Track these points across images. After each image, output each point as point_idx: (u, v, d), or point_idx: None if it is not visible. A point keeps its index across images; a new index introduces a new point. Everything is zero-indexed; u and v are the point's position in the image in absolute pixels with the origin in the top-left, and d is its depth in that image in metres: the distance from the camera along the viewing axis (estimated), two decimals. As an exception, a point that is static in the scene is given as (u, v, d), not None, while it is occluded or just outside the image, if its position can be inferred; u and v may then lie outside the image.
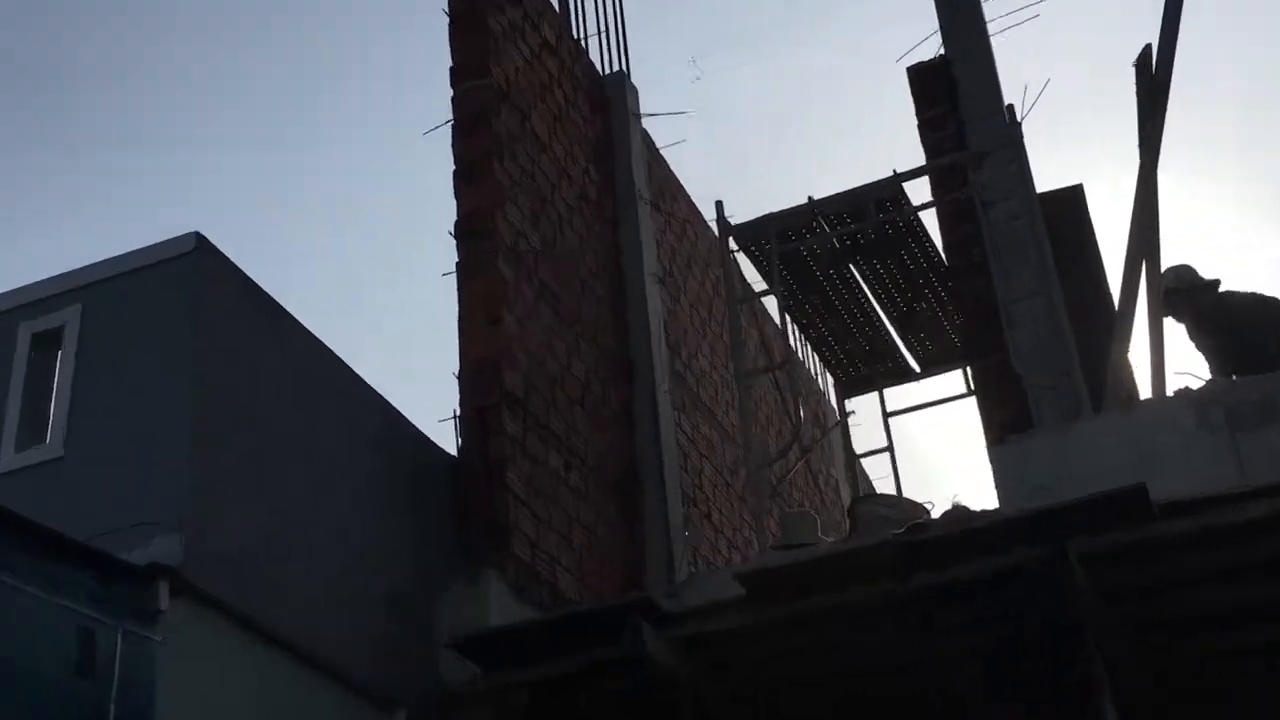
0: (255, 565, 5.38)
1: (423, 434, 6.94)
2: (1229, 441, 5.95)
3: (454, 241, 7.53)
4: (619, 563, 8.06)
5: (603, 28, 10.14)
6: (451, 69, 8.06)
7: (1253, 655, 5.87)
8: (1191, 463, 5.94)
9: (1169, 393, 6.88)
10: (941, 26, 8.87)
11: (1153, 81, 7.23)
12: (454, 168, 7.76)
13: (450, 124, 7.88)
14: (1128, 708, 5.28)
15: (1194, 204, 20.70)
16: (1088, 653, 5.31)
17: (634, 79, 10.10)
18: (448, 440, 7.08)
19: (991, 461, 6.50)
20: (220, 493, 5.33)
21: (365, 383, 6.56)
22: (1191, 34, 7.68)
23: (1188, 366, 7.55)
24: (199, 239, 5.67)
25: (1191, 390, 6.58)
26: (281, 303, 6.08)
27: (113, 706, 4.54)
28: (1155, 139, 7.16)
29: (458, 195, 7.69)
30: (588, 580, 7.46)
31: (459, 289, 7.41)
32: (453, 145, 7.84)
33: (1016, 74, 8.86)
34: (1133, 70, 7.36)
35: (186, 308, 5.57)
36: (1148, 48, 7.29)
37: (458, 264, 7.45)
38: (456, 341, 7.29)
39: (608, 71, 10.00)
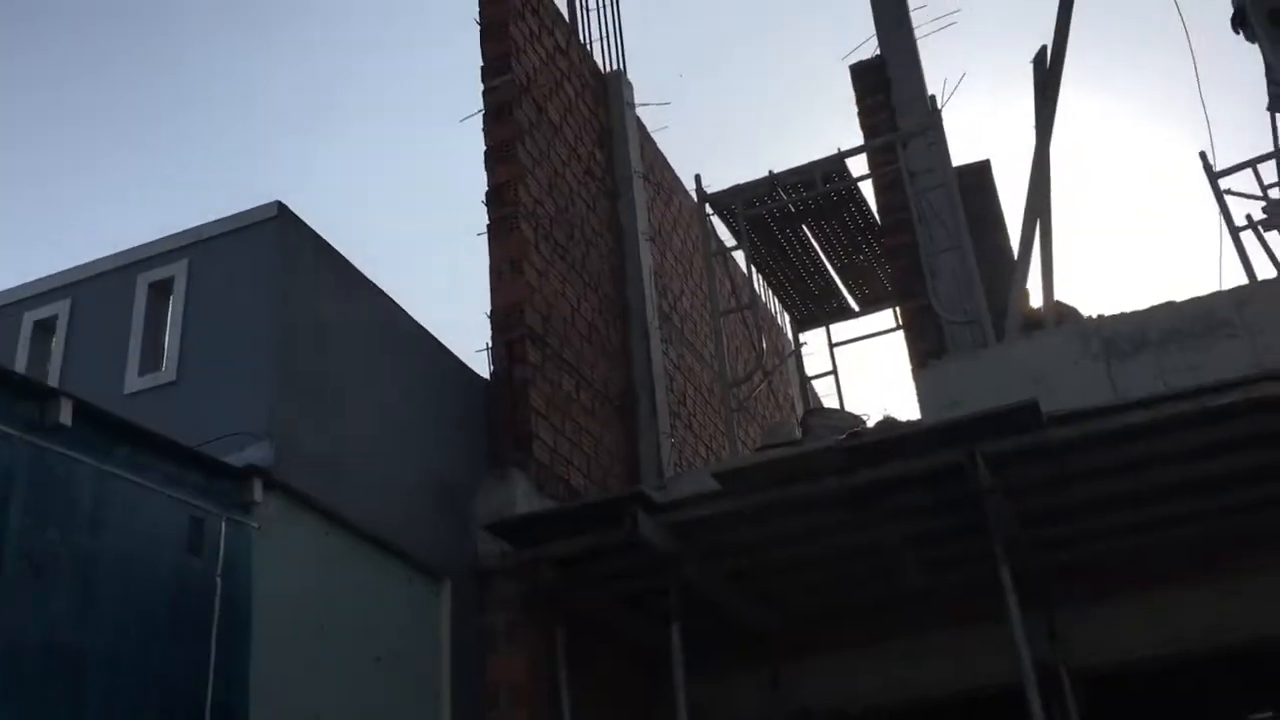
0: (331, 466, 5.41)
1: (462, 362, 6.95)
2: (1105, 366, 5.95)
3: (484, 209, 7.50)
4: (620, 465, 8.09)
5: (604, 33, 10.06)
6: (482, 68, 7.97)
7: (1122, 532, 5.93)
8: (1074, 383, 5.95)
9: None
10: (878, 32, 8.80)
11: (1046, 76, 7.16)
12: (484, 148, 7.70)
13: (481, 113, 7.81)
14: (1020, 575, 5.32)
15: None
16: (991, 536, 5.34)
17: (630, 75, 10.02)
18: (482, 367, 7.10)
19: (915, 383, 6.52)
20: (302, 409, 5.35)
21: (416, 322, 6.56)
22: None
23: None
24: (280, 206, 5.65)
25: (1077, 323, 6.59)
26: (349, 258, 6.08)
27: (219, 580, 4.59)
28: (1047, 123, 7.10)
29: (489, 170, 7.63)
30: (594, 478, 7.50)
31: (490, 246, 7.37)
32: (484, 130, 7.78)
33: (942, 68, 8.81)
34: (1030, 66, 7.30)
35: (272, 260, 5.56)
36: (1044, 48, 7.22)
37: (488, 226, 7.40)
38: (488, 289, 7.28)
39: (608, 69, 9.91)
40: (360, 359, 5.94)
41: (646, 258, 9.30)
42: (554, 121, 8.44)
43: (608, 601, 6.47)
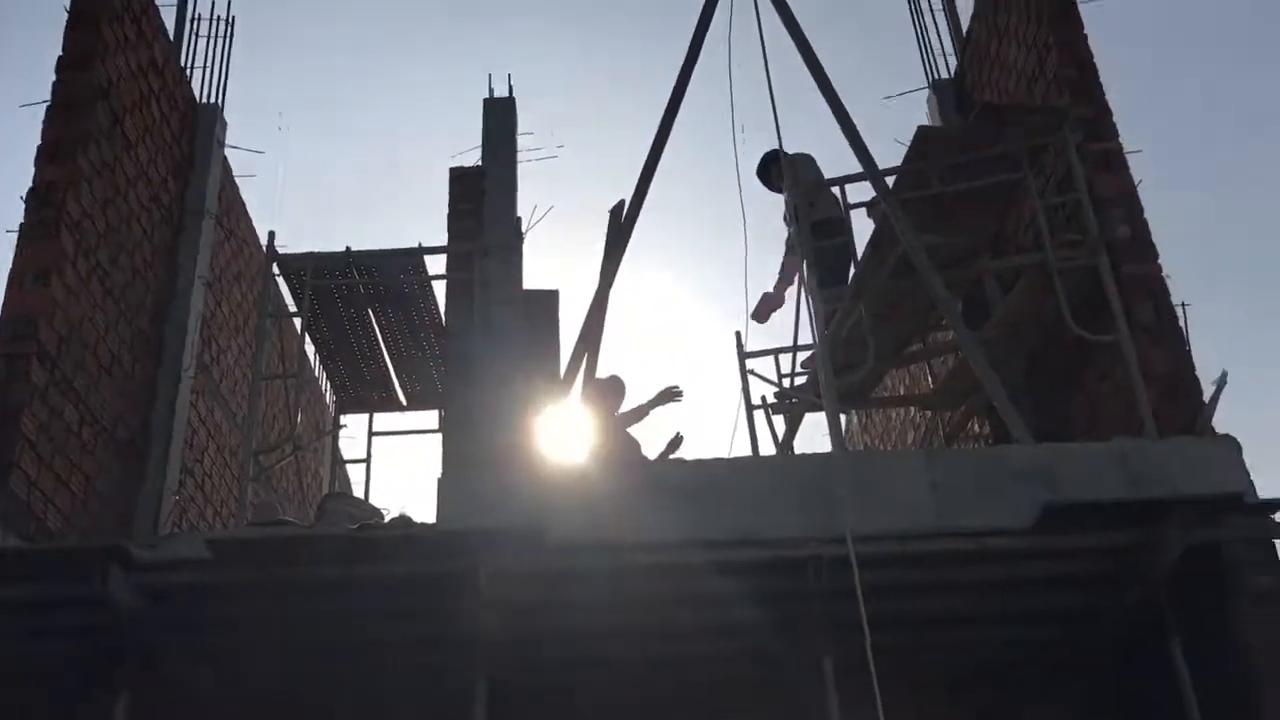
0: None
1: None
2: (598, 503, 6.09)
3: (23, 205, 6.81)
4: (113, 515, 7.43)
5: (209, 64, 9.61)
6: (60, 58, 7.34)
7: (589, 665, 6.19)
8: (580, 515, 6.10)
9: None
10: (484, 143, 9.00)
11: (620, 228, 7.62)
12: (40, 142, 7.03)
13: (46, 104, 7.15)
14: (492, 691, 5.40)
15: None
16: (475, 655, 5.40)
17: (226, 114, 9.60)
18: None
19: (438, 487, 6.50)
20: None
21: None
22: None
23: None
24: None
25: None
26: None
27: None
28: (612, 271, 7.52)
29: (38, 165, 6.96)
30: (76, 523, 6.83)
31: (17, 247, 6.68)
32: (44, 122, 7.11)
33: (535, 196, 9.15)
34: (608, 214, 7.75)
35: None
36: (622, 201, 7.71)
37: (21, 225, 6.72)
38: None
39: (206, 100, 9.45)
40: None
41: (198, 302, 8.80)
42: (129, 137, 7.87)
43: (61, 660, 5.86)
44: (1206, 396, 6.16)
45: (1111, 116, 7.15)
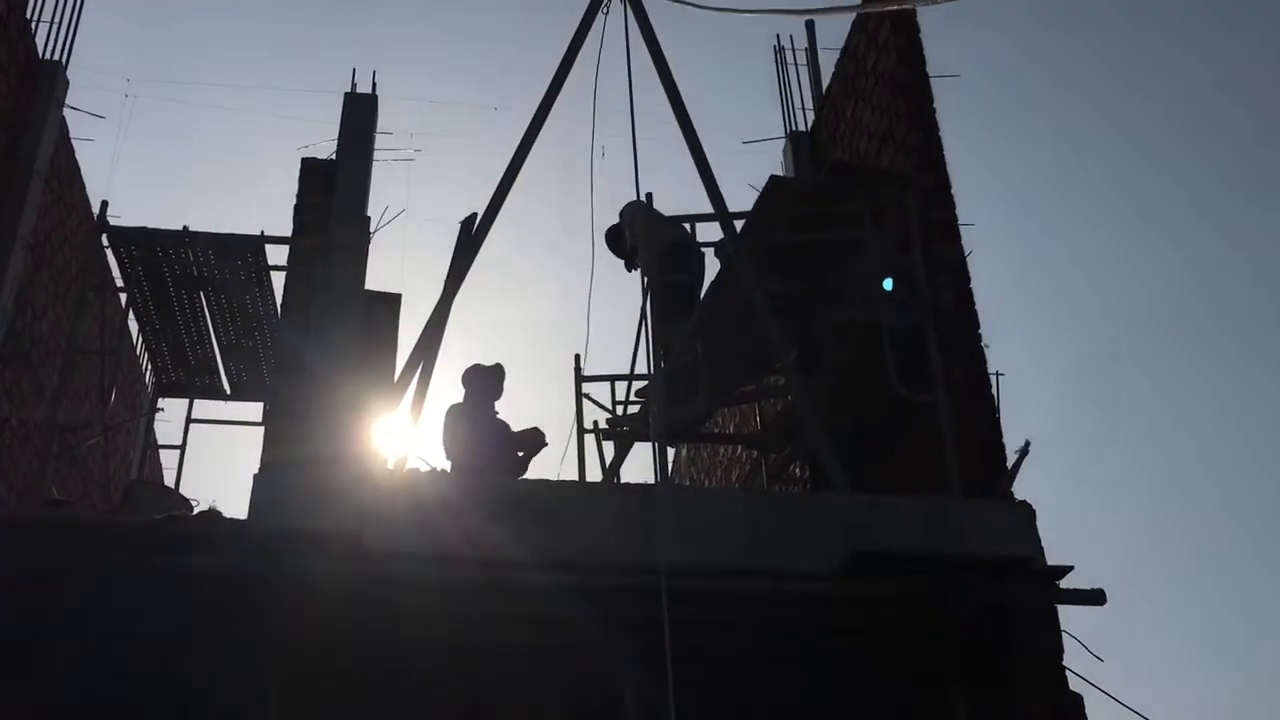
0: None
1: None
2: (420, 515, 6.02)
3: None
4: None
5: (57, 18, 9.17)
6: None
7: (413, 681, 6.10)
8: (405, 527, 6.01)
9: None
10: (340, 137, 8.84)
11: (470, 240, 7.60)
12: None
13: None
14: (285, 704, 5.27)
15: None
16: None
17: (70, 72, 9.17)
18: None
19: (254, 482, 6.31)
20: None
21: None
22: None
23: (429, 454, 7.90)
24: None
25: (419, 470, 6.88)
26: None
27: None
28: (457, 281, 7.50)
29: None
30: None
31: None
32: None
33: (387, 198, 9.02)
34: (458, 225, 7.72)
35: None
36: (474, 214, 7.68)
37: None
38: None
39: (48, 57, 9.01)
40: None
41: (16, 265, 8.36)
42: (-45, 85, 7.45)
43: None
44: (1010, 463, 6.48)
45: (950, 187, 7.49)
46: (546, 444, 8.29)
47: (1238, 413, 22.03)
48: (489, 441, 8.12)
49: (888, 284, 7.22)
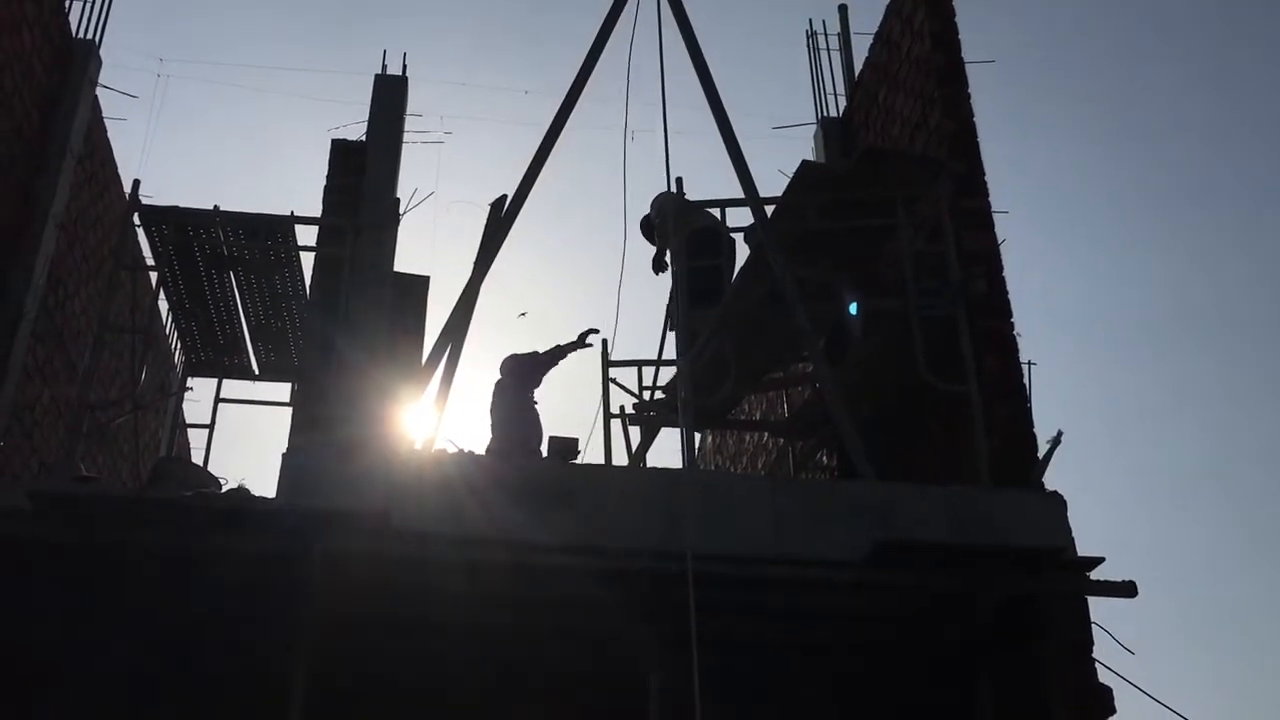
0: None
1: None
2: (469, 499, 6.04)
3: None
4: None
5: (91, -1, 9.20)
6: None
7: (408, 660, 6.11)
8: (430, 505, 6.02)
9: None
10: (370, 119, 8.84)
11: (500, 222, 7.58)
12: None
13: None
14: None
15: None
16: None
17: (103, 52, 9.21)
18: None
19: (283, 461, 6.34)
20: None
21: None
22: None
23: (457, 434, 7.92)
24: None
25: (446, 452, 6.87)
26: None
27: None
28: (488, 260, 7.48)
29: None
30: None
31: None
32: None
33: (416, 179, 9.05)
34: (489, 207, 7.70)
35: None
36: (504, 196, 7.66)
37: None
38: None
39: (81, 37, 9.06)
40: None
41: (49, 244, 8.42)
42: (-8, 62, 7.50)
43: None
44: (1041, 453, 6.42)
45: (984, 175, 7.41)
46: (579, 453, 8.32)
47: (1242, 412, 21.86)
48: (522, 423, 8.24)
49: (853, 308, 7.24)
